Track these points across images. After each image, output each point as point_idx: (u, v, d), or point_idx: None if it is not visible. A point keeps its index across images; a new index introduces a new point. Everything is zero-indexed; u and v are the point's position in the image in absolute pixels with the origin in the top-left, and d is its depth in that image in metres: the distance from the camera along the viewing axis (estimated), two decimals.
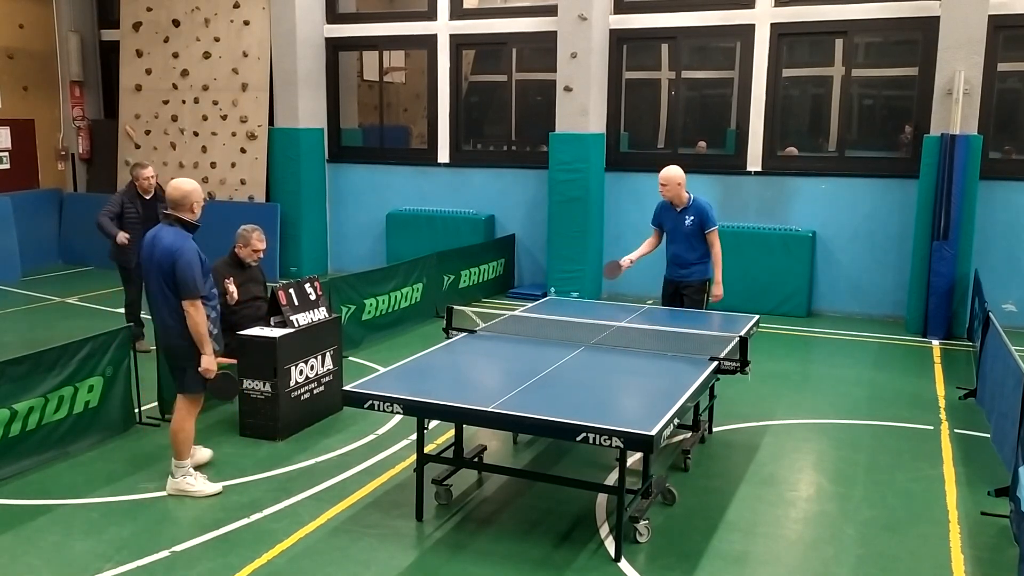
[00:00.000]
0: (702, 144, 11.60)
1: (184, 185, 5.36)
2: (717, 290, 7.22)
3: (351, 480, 5.76)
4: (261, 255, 6.98)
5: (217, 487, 5.52)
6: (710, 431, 6.63)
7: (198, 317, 5.22)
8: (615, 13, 11.36)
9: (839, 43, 10.72)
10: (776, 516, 5.37)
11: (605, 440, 4.27)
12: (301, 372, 6.61)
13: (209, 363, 5.34)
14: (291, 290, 6.75)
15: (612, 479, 5.41)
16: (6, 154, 13.47)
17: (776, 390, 7.47)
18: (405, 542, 4.94)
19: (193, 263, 5.18)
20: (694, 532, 5.09)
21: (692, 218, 7.18)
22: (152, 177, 8.43)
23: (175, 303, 5.24)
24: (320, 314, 6.91)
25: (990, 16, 9.42)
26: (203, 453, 5.95)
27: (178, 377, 5.50)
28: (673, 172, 7.27)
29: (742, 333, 5.96)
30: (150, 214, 8.03)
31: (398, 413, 4.77)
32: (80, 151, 14.41)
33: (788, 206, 10.83)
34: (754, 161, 11.00)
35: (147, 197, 8.40)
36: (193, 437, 5.57)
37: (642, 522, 4.92)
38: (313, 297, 6.91)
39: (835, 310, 10.77)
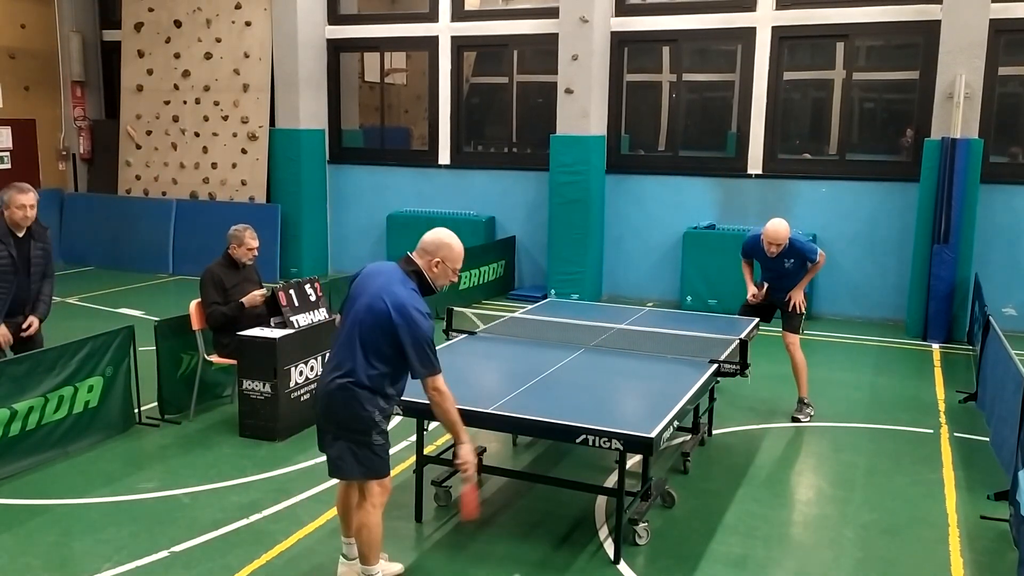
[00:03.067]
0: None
1: (443, 236, 4.21)
2: (797, 294, 7.01)
3: None
4: (255, 253, 6.97)
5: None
6: (710, 434, 6.63)
7: (446, 403, 4.04)
8: (616, 15, 11.37)
9: (840, 46, 10.73)
10: (775, 519, 5.36)
11: (605, 442, 4.27)
12: (301, 373, 6.60)
13: (467, 453, 4.08)
14: (291, 291, 6.75)
15: (611, 481, 5.41)
16: (7, 154, 13.48)
17: (776, 393, 7.47)
18: (404, 543, 4.94)
19: (431, 329, 4.04)
20: (693, 535, 5.09)
21: (792, 261, 6.92)
22: (31, 207, 5.95)
23: (382, 368, 4.02)
24: (320, 315, 6.91)
25: (991, 20, 9.42)
26: (392, 568, 4.56)
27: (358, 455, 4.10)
28: (784, 230, 6.74)
29: (742, 336, 5.96)
30: (24, 258, 5.99)
31: (397, 414, 4.76)
32: (81, 151, 14.41)
33: (789, 209, 10.81)
34: (755, 164, 11.00)
35: (19, 234, 6.00)
36: (381, 535, 4.24)
37: (641, 524, 4.92)
38: (313, 298, 6.92)
39: (835, 313, 10.77)
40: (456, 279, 4.21)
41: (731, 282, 7.71)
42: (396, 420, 6.59)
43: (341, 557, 4.49)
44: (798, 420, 6.98)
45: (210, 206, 13.12)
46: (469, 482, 4.08)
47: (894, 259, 10.43)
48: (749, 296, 7.15)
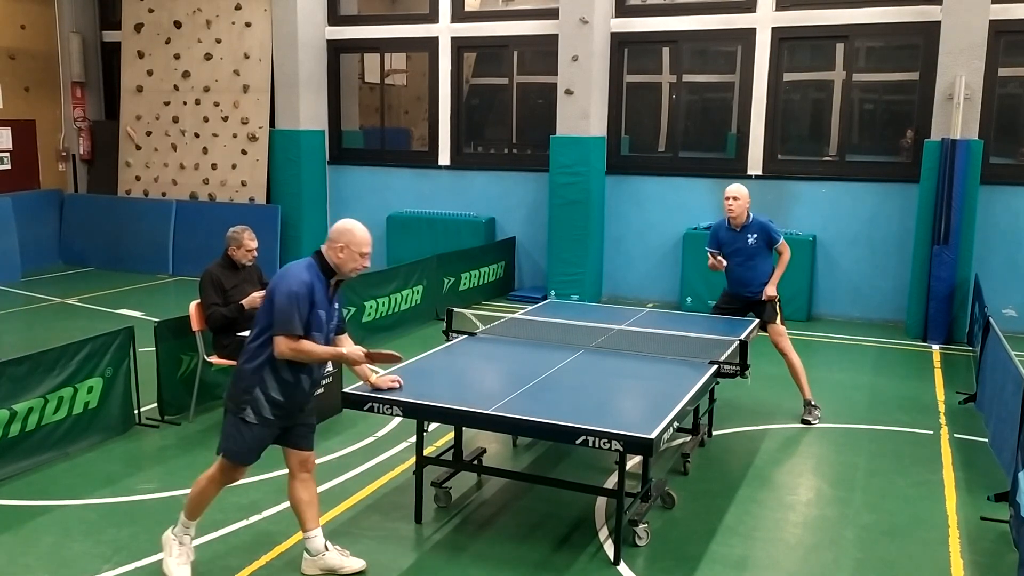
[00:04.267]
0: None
1: (346, 223, 4.35)
2: (770, 289, 6.95)
3: (350, 482, 5.75)
4: (255, 254, 6.96)
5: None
6: (710, 435, 6.63)
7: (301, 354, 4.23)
8: (616, 16, 11.38)
9: (840, 47, 10.73)
10: (775, 520, 5.36)
11: (605, 443, 4.27)
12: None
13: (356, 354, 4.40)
14: None
15: (611, 482, 5.40)
16: (7, 155, 13.48)
17: (776, 394, 7.47)
18: (404, 544, 4.94)
19: (293, 296, 4.18)
20: (693, 536, 5.08)
21: (755, 236, 6.95)
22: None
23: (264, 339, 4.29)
24: None
25: (991, 21, 9.43)
26: (354, 564, 4.62)
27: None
28: (744, 189, 6.98)
29: (742, 337, 5.95)
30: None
31: (397, 415, 4.77)
32: (81, 152, 14.41)
33: (789, 210, 10.83)
34: (755, 165, 11.00)
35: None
36: (204, 502, 4.52)
37: (641, 525, 4.92)
38: None
39: (835, 314, 10.77)
40: (367, 264, 4.34)
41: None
42: (396, 421, 6.62)
43: (304, 552, 4.57)
44: (808, 423, 6.98)
45: (210, 207, 13.12)
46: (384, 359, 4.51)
47: (894, 260, 10.43)
48: (710, 263, 7.08)
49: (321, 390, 4.67)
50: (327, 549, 4.55)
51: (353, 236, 4.27)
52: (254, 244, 6.95)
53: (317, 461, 6.05)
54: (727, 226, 7.07)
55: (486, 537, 5.04)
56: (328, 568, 4.54)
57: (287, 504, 5.36)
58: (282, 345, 4.17)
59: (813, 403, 7.07)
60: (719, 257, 7.04)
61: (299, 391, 4.37)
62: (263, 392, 4.28)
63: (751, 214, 7.03)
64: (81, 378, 6.11)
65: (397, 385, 4.72)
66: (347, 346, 4.57)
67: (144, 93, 13.57)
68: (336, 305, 4.46)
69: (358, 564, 4.60)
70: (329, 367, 6.73)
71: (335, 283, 4.38)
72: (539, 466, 6.10)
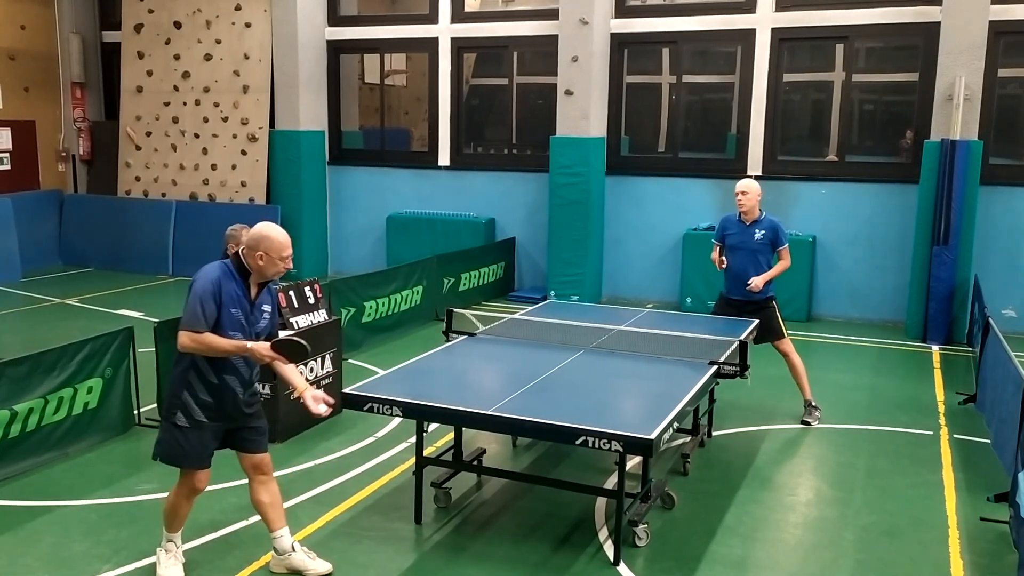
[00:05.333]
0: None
1: (263, 229, 4.27)
2: (759, 280, 6.85)
3: (350, 483, 5.75)
4: None
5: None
6: (710, 435, 6.63)
7: (203, 347, 4.19)
8: (616, 17, 11.38)
9: (840, 48, 10.73)
10: (775, 521, 5.36)
11: (604, 444, 4.27)
12: (301, 374, 6.59)
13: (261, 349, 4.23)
14: (291, 292, 6.75)
15: (611, 483, 5.40)
16: (7, 155, 13.48)
17: (776, 395, 7.47)
18: (404, 545, 4.94)
19: (198, 293, 4.21)
20: (693, 536, 5.09)
21: (763, 232, 6.93)
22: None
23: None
24: (320, 316, 6.91)
25: (991, 22, 9.43)
26: (320, 567, 4.63)
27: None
28: (756, 184, 7.00)
29: (742, 337, 5.96)
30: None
31: (397, 416, 4.77)
32: (81, 152, 14.41)
33: (788, 210, 10.82)
34: (754, 165, 11.00)
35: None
36: (176, 516, 4.53)
37: (641, 526, 4.92)
38: (313, 299, 6.91)
39: (835, 315, 10.77)
40: (289, 266, 4.31)
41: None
42: (395, 421, 6.62)
43: (272, 551, 4.61)
44: (808, 424, 6.98)
45: (210, 207, 13.12)
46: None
47: (894, 261, 10.43)
48: (714, 256, 7.07)
49: (260, 395, 4.55)
50: (294, 550, 4.58)
51: (271, 243, 4.23)
52: None
53: (318, 461, 6.08)
54: (737, 218, 7.06)
55: (486, 537, 5.04)
56: (293, 568, 4.58)
57: (287, 504, 5.36)
58: (184, 338, 4.17)
59: (813, 404, 7.08)
60: (722, 255, 7.04)
61: (227, 392, 4.31)
62: (191, 395, 4.27)
63: (763, 212, 7.03)
64: (81, 378, 6.11)
65: (325, 410, 4.35)
66: (281, 368, 4.41)
67: (144, 93, 13.57)
68: (266, 308, 4.40)
69: (324, 567, 4.60)
70: (314, 373, 6.74)
71: (258, 285, 4.35)
72: (539, 466, 6.10)
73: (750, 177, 10.83)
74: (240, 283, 4.29)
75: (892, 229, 10.42)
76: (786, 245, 6.98)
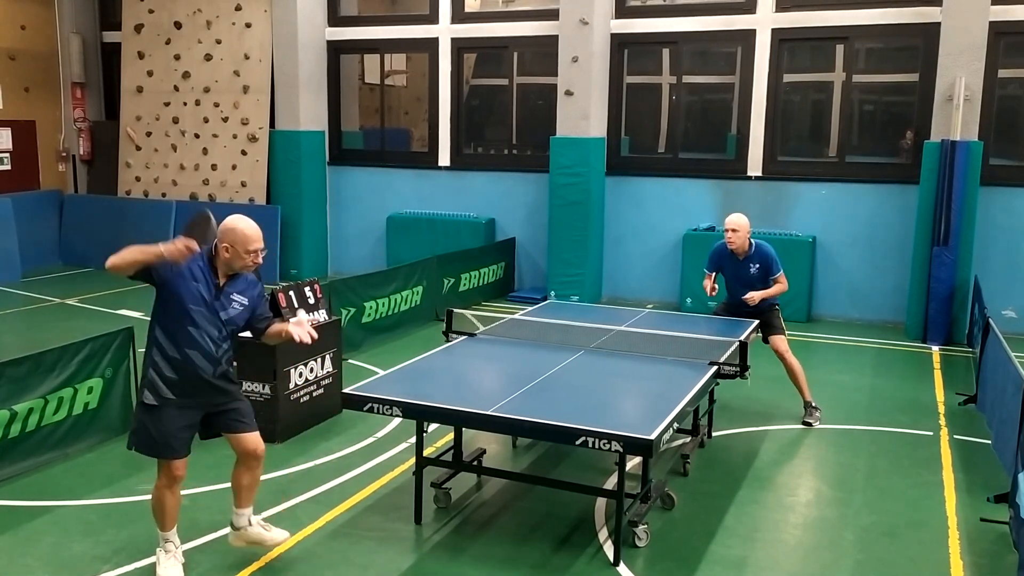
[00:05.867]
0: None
1: (233, 221, 4.35)
2: (755, 295, 6.86)
3: (350, 483, 5.75)
4: None
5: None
6: (709, 436, 6.63)
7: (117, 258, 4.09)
8: (616, 17, 11.38)
9: (840, 48, 10.73)
10: (775, 521, 5.36)
11: (604, 444, 4.27)
12: (300, 375, 6.60)
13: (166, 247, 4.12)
14: (291, 292, 6.75)
15: (611, 483, 5.40)
16: (7, 155, 13.48)
17: (776, 395, 7.47)
18: (404, 545, 4.94)
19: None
20: (693, 537, 5.09)
21: (757, 266, 6.91)
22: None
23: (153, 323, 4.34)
24: (320, 316, 6.91)
25: (991, 23, 9.42)
26: (276, 535, 4.76)
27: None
28: (744, 219, 6.92)
29: (742, 338, 5.96)
30: None
31: (397, 416, 4.77)
32: (81, 152, 14.42)
33: (789, 211, 10.84)
34: (754, 166, 11.01)
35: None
36: (165, 511, 4.50)
37: (641, 526, 4.92)
38: (313, 300, 6.91)
39: (835, 315, 10.77)
40: (258, 261, 4.33)
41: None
42: (395, 422, 6.62)
43: (229, 526, 4.70)
44: (809, 424, 6.98)
45: (210, 207, 13.07)
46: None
47: (894, 261, 10.43)
48: (705, 284, 7.04)
49: (234, 376, 4.52)
50: (250, 524, 4.66)
51: (236, 235, 4.23)
52: None
53: (317, 461, 6.08)
54: (729, 253, 6.99)
55: (486, 538, 5.04)
56: (251, 541, 4.67)
57: (287, 504, 5.39)
58: (119, 252, 4.06)
59: (813, 404, 7.07)
60: (714, 283, 7.02)
61: (190, 366, 4.26)
62: (156, 372, 4.26)
63: (753, 243, 6.98)
64: (81, 379, 6.11)
65: (308, 339, 4.40)
66: (277, 326, 4.54)
67: (144, 94, 13.58)
68: (238, 298, 4.38)
69: (280, 535, 4.70)
70: (314, 373, 6.73)
71: (226, 275, 4.34)
72: (539, 467, 6.10)
73: (748, 179, 10.98)
74: (207, 265, 4.29)
75: (892, 230, 10.42)
76: (781, 272, 6.95)
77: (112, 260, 4.05)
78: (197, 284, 4.25)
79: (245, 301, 4.41)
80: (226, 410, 4.48)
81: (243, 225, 4.27)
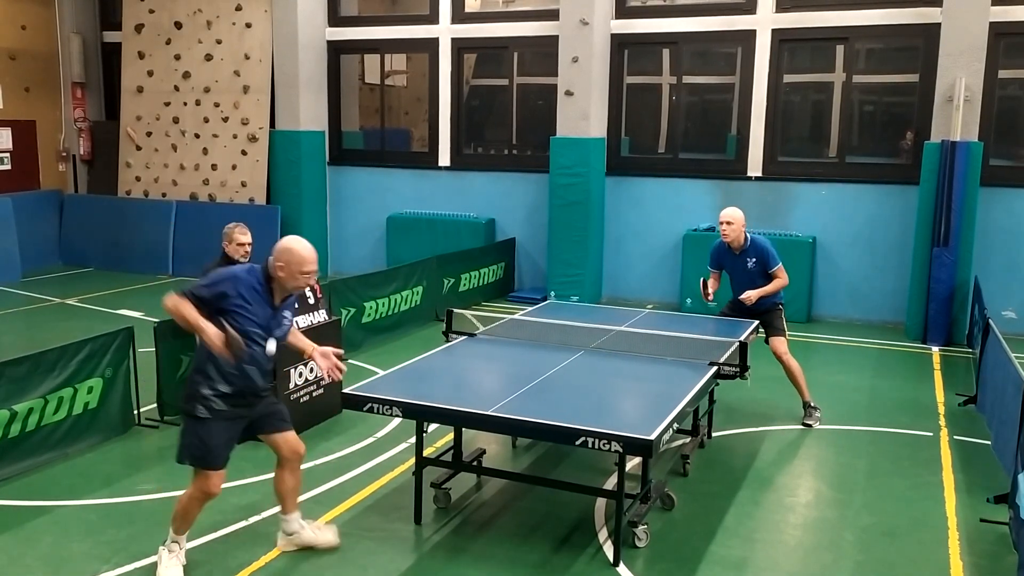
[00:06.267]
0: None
1: (289, 243, 4.39)
2: (752, 293, 6.86)
3: (350, 483, 5.75)
4: (246, 249, 6.95)
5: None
6: (709, 436, 6.63)
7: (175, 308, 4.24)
8: (617, 18, 11.38)
9: (840, 49, 10.73)
10: (775, 522, 5.36)
11: (604, 444, 4.27)
12: (300, 375, 6.61)
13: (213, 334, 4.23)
14: None
15: (611, 483, 5.40)
16: (7, 155, 13.48)
17: (776, 395, 7.47)
18: (404, 545, 4.94)
19: (214, 275, 4.37)
20: (693, 537, 5.08)
21: (753, 260, 6.92)
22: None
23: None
24: (320, 317, 6.91)
25: (991, 23, 9.43)
26: (327, 536, 4.89)
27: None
28: (739, 212, 6.95)
29: (742, 338, 5.95)
30: None
31: (397, 416, 4.77)
32: (81, 152, 14.42)
33: (789, 211, 10.84)
34: (755, 166, 11.01)
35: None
36: (187, 517, 4.55)
37: (641, 527, 4.92)
38: (313, 300, 6.91)
39: (835, 316, 10.77)
40: (311, 281, 4.46)
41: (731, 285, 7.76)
42: (395, 422, 6.62)
43: (280, 532, 4.81)
44: (809, 425, 6.97)
45: (210, 207, 13.12)
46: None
47: (894, 262, 10.43)
48: (703, 293, 7.06)
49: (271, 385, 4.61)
50: (302, 527, 4.76)
51: (292, 256, 4.31)
52: (246, 239, 6.93)
53: (317, 461, 6.08)
54: (727, 248, 7.03)
55: (486, 538, 5.04)
56: (303, 544, 4.78)
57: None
58: (173, 298, 4.20)
59: (813, 405, 7.07)
60: (709, 289, 7.02)
61: (248, 381, 4.39)
62: (210, 388, 4.33)
63: (749, 236, 6.98)
64: (81, 379, 6.11)
65: (337, 374, 4.58)
66: (299, 340, 4.71)
67: (144, 94, 13.58)
68: (287, 315, 4.54)
69: (332, 536, 4.84)
70: (314, 373, 6.75)
71: (282, 296, 4.43)
72: (539, 467, 6.10)
73: (748, 179, 10.98)
74: (263, 286, 4.36)
75: (892, 230, 10.42)
76: (779, 265, 6.94)
77: (172, 308, 4.21)
78: (253, 307, 4.31)
79: (290, 316, 4.58)
80: (267, 414, 4.58)
81: (299, 247, 4.35)
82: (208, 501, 4.51)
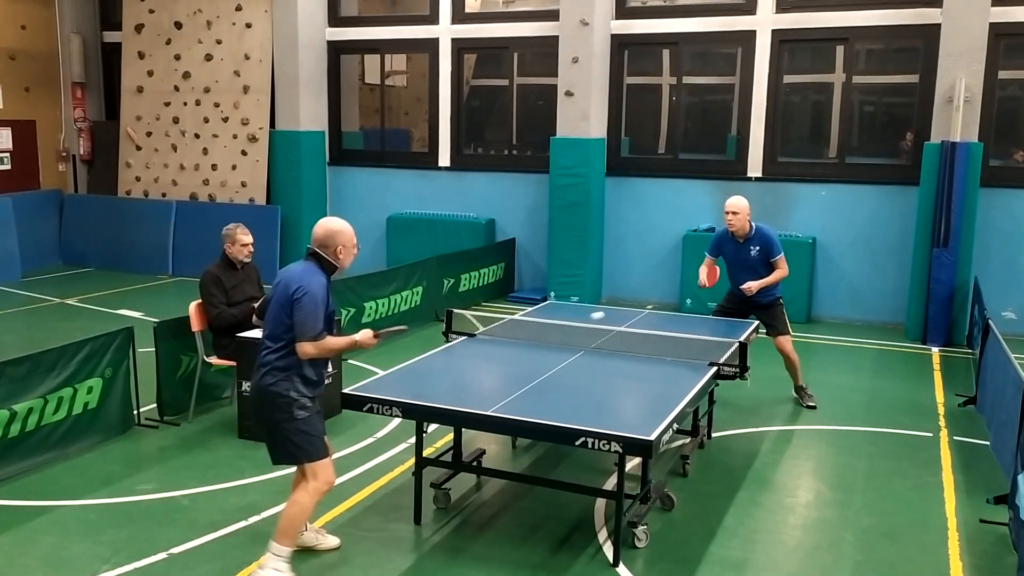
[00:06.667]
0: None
1: (331, 224, 4.51)
2: (753, 284, 6.94)
3: (349, 483, 5.75)
4: (249, 248, 6.97)
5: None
6: (709, 436, 6.63)
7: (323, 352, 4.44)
8: (617, 18, 11.38)
9: (840, 50, 10.73)
10: (775, 522, 5.36)
11: (604, 445, 4.27)
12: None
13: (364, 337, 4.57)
14: None
15: (611, 484, 5.40)
16: (7, 155, 13.48)
17: (776, 396, 7.47)
18: (403, 546, 4.94)
19: (318, 302, 4.38)
20: (693, 538, 5.08)
21: (757, 248, 6.98)
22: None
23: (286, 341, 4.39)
24: None
25: (991, 24, 9.42)
26: (330, 541, 4.92)
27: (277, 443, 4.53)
28: (744, 201, 7.02)
29: (742, 339, 5.96)
30: None
31: (397, 416, 4.77)
32: (81, 152, 14.41)
33: (788, 212, 10.83)
34: (755, 167, 11.01)
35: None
36: (304, 521, 4.56)
37: (640, 527, 4.92)
38: None
39: (835, 316, 10.77)
40: (357, 251, 4.63)
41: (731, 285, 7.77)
42: (395, 422, 6.62)
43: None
44: (812, 407, 7.06)
45: (210, 208, 13.12)
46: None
47: (894, 262, 10.43)
48: (701, 273, 7.13)
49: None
50: (306, 528, 4.80)
51: (344, 235, 4.48)
52: (247, 239, 6.95)
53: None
54: (730, 236, 7.07)
55: (485, 538, 5.04)
56: (304, 545, 4.77)
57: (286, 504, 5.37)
58: (308, 348, 4.34)
59: (804, 386, 7.13)
60: (706, 275, 7.09)
61: (320, 385, 4.56)
62: (299, 394, 4.42)
63: (753, 224, 7.06)
64: (81, 378, 6.10)
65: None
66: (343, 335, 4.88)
67: (144, 94, 13.58)
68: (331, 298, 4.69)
69: (333, 542, 4.86)
70: (329, 367, 6.74)
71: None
72: (538, 467, 6.10)
73: (748, 179, 10.98)
74: (328, 280, 4.53)
75: (892, 231, 10.42)
76: (781, 255, 6.99)
77: (318, 353, 4.39)
78: (329, 308, 4.50)
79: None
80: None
81: (338, 226, 4.51)
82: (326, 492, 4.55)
